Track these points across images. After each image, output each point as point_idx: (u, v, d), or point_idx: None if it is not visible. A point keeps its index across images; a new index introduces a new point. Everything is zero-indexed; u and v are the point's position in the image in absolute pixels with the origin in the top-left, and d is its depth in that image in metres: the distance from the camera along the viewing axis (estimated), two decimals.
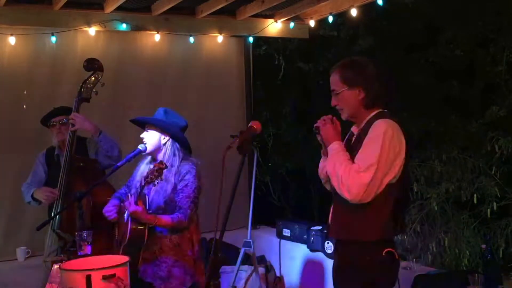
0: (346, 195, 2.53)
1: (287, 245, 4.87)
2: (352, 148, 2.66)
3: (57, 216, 3.70)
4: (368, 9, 5.67)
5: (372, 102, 2.66)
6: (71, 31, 4.79)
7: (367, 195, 2.50)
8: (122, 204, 3.55)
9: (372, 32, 7.50)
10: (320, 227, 4.64)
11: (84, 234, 3.01)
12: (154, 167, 3.20)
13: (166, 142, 3.47)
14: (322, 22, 5.68)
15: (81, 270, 2.47)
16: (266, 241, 5.14)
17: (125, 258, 2.63)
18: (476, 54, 6.55)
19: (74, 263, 2.74)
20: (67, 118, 3.90)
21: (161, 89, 5.27)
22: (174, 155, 3.47)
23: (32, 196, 3.96)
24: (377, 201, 2.55)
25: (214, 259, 2.56)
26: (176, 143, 3.49)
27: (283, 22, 5.49)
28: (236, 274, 4.11)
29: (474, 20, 6.54)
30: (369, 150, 2.53)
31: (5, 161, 4.71)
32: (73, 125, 3.82)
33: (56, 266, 2.96)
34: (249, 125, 2.78)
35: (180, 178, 3.41)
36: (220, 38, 5.43)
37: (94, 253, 2.97)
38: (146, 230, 3.31)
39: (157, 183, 3.21)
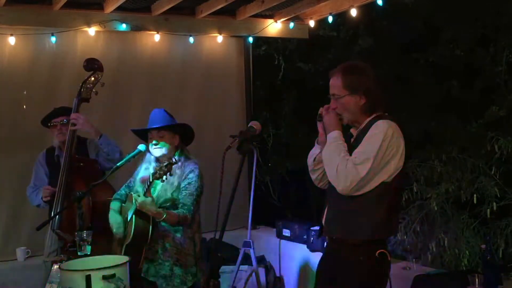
0: (339, 185, 2.57)
1: (287, 245, 4.87)
2: (351, 148, 2.67)
3: (57, 216, 3.70)
4: (368, 9, 5.67)
5: (373, 107, 2.68)
6: (71, 31, 4.79)
7: (358, 188, 2.54)
8: (123, 205, 3.56)
9: (372, 32, 7.50)
10: (320, 227, 4.63)
11: (84, 234, 3.02)
12: (163, 162, 3.22)
13: (178, 144, 3.53)
14: (322, 22, 5.68)
15: (80, 270, 2.47)
16: (266, 241, 5.15)
17: (125, 258, 2.64)
18: (476, 54, 6.55)
19: (74, 263, 2.74)
20: (68, 118, 3.90)
21: (161, 89, 5.27)
22: (181, 153, 3.53)
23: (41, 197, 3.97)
24: (372, 201, 2.58)
25: (214, 259, 2.56)
26: (184, 142, 3.57)
27: (283, 22, 5.49)
28: (236, 274, 4.12)
29: (474, 20, 6.55)
30: (368, 146, 2.56)
31: (5, 161, 4.71)
32: (74, 124, 3.82)
33: (56, 266, 2.97)
34: (249, 125, 2.78)
35: (183, 177, 3.42)
36: (220, 38, 5.44)
37: (94, 253, 2.98)
38: (150, 228, 3.32)
39: (166, 178, 3.22)
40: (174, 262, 3.43)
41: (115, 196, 3.65)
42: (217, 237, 2.61)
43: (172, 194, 3.42)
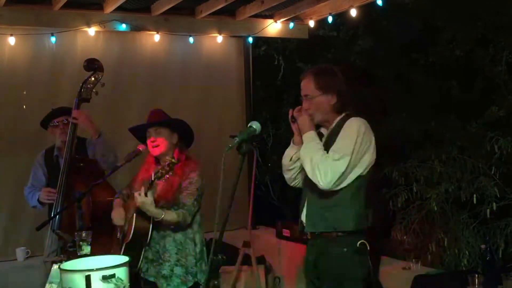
0: (320, 181, 2.73)
1: (286, 245, 4.87)
2: (324, 147, 2.83)
3: (57, 216, 3.70)
4: (368, 9, 5.67)
5: (343, 106, 2.90)
6: (71, 31, 4.79)
7: (339, 182, 2.74)
8: (125, 203, 3.56)
9: (372, 33, 7.51)
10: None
11: (84, 234, 3.01)
12: (165, 161, 3.21)
13: (176, 142, 3.49)
14: (321, 22, 5.68)
15: (80, 270, 2.47)
16: (266, 242, 5.14)
17: (125, 258, 2.64)
18: (476, 54, 6.54)
19: (74, 263, 2.74)
20: (68, 118, 3.90)
21: (161, 89, 5.27)
22: (181, 152, 3.50)
23: (38, 200, 3.96)
24: (350, 194, 2.80)
25: (213, 259, 2.56)
26: (183, 141, 3.52)
27: (282, 22, 5.49)
28: (236, 274, 4.12)
29: (474, 20, 6.54)
30: (344, 143, 2.77)
31: (5, 161, 4.71)
32: (75, 119, 3.82)
33: (55, 266, 2.97)
34: (248, 125, 2.78)
35: (184, 176, 3.41)
36: (219, 39, 5.44)
37: (94, 253, 2.98)
38: (150, 227, 3.32)
39: (167, 177, 3.22)
40: (174, 263, 3.43)
41: (116, 196, 3.65)
42: (216, 237, 2.61)
43: (172, 194, 3.41)
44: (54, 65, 4.88)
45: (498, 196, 4.87)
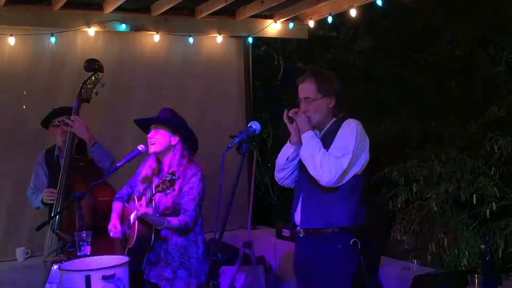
0: (323, 178, 2.82)
1: (286, 245, 4.87)
2: None
3: (57, 216, 3.70)
4: (367, 10, 5.68)
5: (339, 109, 3.03)
6: (71, 31, 4.78)
7: (341, 179, 2.84)
8: (126, 204, 3.55)
9: (372, 33, 7.51)
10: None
11: (84, 234, 3.01)
12: (166, 177, 3.16)
13: (176, 143, 3.44)
14: (321, 22, 5.68)
15: (80, 271, 2.47)
16: (266, 242, 5.14)
17: (125, 258, 2.64)
18: (476, 54, 6.55)
19: (74, 263, 2.74)
20: (69, 117, 3.90)
21: (160, 90, 5.27)
22: (183, 156, 3.45)
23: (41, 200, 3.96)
24: (346, 193, 2.89)
25: (213, 260, 2.56)
26: (185, 144, 3.48)
27: (282, 22, 5.49)
28: (236, 274, 4.12)
29: (474, 20, 6.55)
30: (344, 141, 2.87)
31: (5, 161, 4.70)
32: (69, 125, 3.81)
33: (55, 266, 2.97)
34: (248, 125, 2.79)
35: (185, 181, 3.40)
36: (219, 39, 5.43)
37: (93, 253, 2.98)
38: (153, 232, 3.31)
39: (169, 192, 3.20)
40: (178, 265, 3.42)
41: (117, 196, 3.64)
42: (216, 237, 2.62)
43: (173, 200, 3.40)
44: (54, 65, 4.87)
45: (498, 196, 4.88)
